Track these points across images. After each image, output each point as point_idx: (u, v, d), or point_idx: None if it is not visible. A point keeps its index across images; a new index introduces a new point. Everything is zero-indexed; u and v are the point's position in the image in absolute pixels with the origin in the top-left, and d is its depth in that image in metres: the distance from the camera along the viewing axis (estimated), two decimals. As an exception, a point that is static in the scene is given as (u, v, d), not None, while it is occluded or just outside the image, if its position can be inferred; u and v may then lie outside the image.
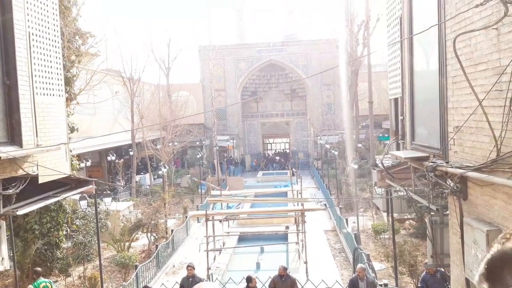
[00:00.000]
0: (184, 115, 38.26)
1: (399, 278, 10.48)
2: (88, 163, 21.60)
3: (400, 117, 6.77)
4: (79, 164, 14.08)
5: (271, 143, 46.04)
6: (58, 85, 7.59)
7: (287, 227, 16.06)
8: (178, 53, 39.19)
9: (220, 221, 18.79)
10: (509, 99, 3.55)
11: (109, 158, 22.75)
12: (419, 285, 9.08)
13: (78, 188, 8.28)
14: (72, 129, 13.51)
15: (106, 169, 31.86)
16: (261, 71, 39.53)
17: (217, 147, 28.48)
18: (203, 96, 38.72)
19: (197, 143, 36.10)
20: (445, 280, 8.75)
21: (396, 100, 7.07)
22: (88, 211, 13.20)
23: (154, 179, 28.21)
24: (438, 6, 4.95)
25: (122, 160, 34.17)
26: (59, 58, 7.69)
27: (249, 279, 8.72)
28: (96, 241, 14.17)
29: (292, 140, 41.84)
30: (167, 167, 17.75)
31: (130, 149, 26.85)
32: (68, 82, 13.03)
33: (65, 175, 7.57)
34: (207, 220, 12.51)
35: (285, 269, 8.86)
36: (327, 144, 27.61)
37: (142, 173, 29.59)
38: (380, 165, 6.54)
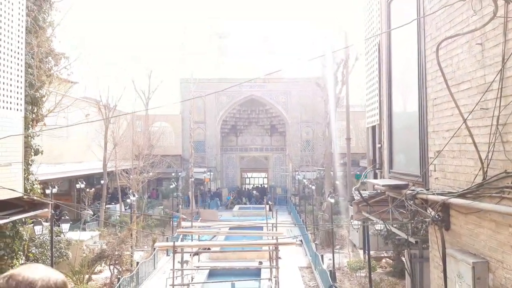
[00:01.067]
0: (161, 145, 37.88)
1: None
2: (55, 190, 20.45)
3: (377, 145, 6.52)
4: (42, 190, 13.15)
5: (249, 178, 45.52)
6: (17, 98, 7.08)
7: (260, 263, 15.35)
8: (159, 84, 39.31)
9: (190, 255, 17.95)
10: (496, 117, 3.30)
11: (78, 186, 21.67)
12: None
13: (32, 211, 7.58)
14: (36, 151, 12.74)
15: (76, 198, 30.50)
16: (242, 105, 39.69)
17: (193, 179, 27.75)
18: (182, 127, 38.33)
19: (173, 174, 35.28)
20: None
21: (373, 128, 6.86)
22: (46, 238, 12.22)
23: (125, 209, 27.07)
24: (418, 26, 4.81)
25: (93, 189, 32.95)
26: (21, 71, 7.22)
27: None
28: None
29: (271, 175, 41.49)
30: (136, 196, 16.93)
31: (102, 178, 25.82)
32: (36, 102, 12.40)
33: (17, 195, 6.90)
34: (174, 252, 11.72)
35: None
36: (305, 179, 27.30)
37: (113, 203, 28.39)
38: (356, 194, 6.18)
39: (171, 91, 43.32)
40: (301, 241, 21.07)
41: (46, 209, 7.79)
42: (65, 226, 12.46)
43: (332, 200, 15.12)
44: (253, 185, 43.44)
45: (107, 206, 28.17)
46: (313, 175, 34.11)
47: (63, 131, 25.73)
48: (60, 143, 24.92)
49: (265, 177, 43.16)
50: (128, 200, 19.16)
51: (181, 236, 15.64)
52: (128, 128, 25.70)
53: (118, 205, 25.87)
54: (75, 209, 21.03)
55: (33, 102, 12.26)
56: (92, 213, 21.84)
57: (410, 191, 4.84)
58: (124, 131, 25.28)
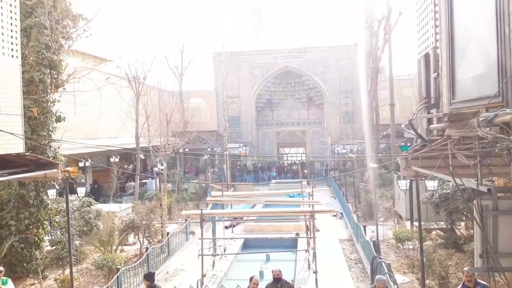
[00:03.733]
0: (196, 121, 37.46)
1: (427, 294, 8.65)
2: (88, 163, 20.35)
3: (433, 75, 5.17)
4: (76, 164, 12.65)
5: (286, 154, 44.38)
6: (10, 43, 6.32)
7: (297, 234, 14.35)
8: (192, 59, 38.61)
9: (226, 227, 17.30)
10: None
11: (112, 160, 21.50)
12: (454, 302, 7.31)
13: (37, 171, 6.92)
14: (58, 118, 12.34)
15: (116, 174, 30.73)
16: (277, 78, 38.20)
17: (227, 151, 27.01)
18: (217, 102, 37.58)
19: (209, 149, 34.84)
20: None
21: (426, 57, 5.50)
22: (71, 207, 11.84)
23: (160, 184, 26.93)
24: None
25: (131, 165, 33.18)
26: (14, 13, 6.42)
27: (250, 279, 7.29)
28: (79, 242, 12.88)
29: (309, 150, 40.04)
30: (165, 164, 16.34)
31: (141, 155, 25.56)
32: (55, 66, 11.90)
33: (15, 151, 6.22)
34: (202, 220, 10.94)
35: (280, 271, 7.25)
36: (344, 149, 25.73)
37: (150, 179, 28.33)
38: (408, 130, 4.93)
39: (204, 67, 42.58)
40: (341, 213, 19.87)
41: (55, 170, 7.09)
42: (80, 190, 11.99)
43: (375, 165, 13.71)
44: (291, 161, 42.32)
45: (144, 181, 28.19)
46: (354, 147, 32.46)
47: (97, 107, 25.76)
48: (95, 119, 24.95)
49: (302, 153, 41.83)
50: (156, 169, 18.65)
51: (210, 206, 14.84)
52: (162, 103, 25.03)
53: (154, 181, 25.68)
54: (113, 183, 20.80)
55: (51, 65, 11.76)
56: (134, 184, 21.61)
57: (484, 116, 3.54)
58: (155, 105, 24.71)
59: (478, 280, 7.32)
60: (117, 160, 22.78)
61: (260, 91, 38.34)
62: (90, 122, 24.37)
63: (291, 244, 14.42)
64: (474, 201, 4.16)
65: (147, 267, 11.90)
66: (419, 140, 5.97)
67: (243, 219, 19.04)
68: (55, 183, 10.20)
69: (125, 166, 33.39)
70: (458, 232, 13.78)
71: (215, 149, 34.77)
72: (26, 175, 6.58)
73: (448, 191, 11.22)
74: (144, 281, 7.39)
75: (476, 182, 4.20)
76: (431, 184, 9.41)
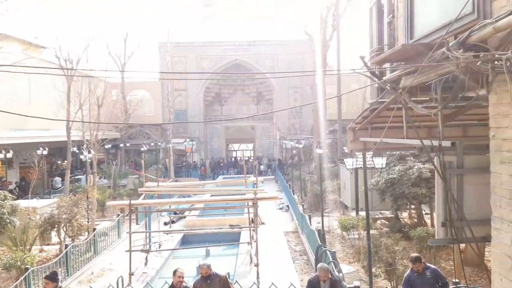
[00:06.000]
0: (139, 114, 35.40)
1: (374, 282, 8.01)
2: (9, 155, 18.06)
3: (387, 19, 4.40)
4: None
5: (235, 150, 43.49)
6: None
7: (231, 226, 13.27)
8: (136, 49, 36.44)
9: (166, 223, 15.94)
10: None
11: (39, 152, 19.25)
12: (401, 288, 6.68)
13: None
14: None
15: (45, 169, 28.02)
16: (226, 71, 37.06)
17: (171, 145, 25.51)
18: (162, 95, 35.74)
19: (152, 144, 32.97)
20: (438, 279, 6.38)
21: (378, 2, 4.72)
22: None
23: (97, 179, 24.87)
24: None
25: (65, 161, 30.53)
26: None
27: (174, 272, 6.12)
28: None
29: (258, 145, 39.40)
30: (93, 152, 14.64)
31: (78, 151, 23.09)
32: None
33: None
34: (130, 211, 9.62)
35: (208, 267, 6.20)
36: (292, 142, 25.22)
37: (84, 175, 26.09)
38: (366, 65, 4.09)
39: (149, 57, 40.54)
40: (287, 206, 19.23)
41: None
42: None
43: (321, 151, 13.09)
44: (239, 157, 41.48)
45: (78, 177, 25.93)
46: (301, 143, 32.19)
47: (24, 94, 23.23)
48: (22, 107, 22.43)
49: (251, 150, 41.10)
50: (82, 157, 16.86)
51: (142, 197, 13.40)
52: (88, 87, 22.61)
53: (87, 176, 23.59)
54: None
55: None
56: (60, 179, 19.48)
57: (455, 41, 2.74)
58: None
59: (428, 264, 6.76)
60: (45, 153, 20.50)
61: (209, 84, 37.07)
62: (16, 110, 21.87)
63: (233, 239, 13.42)
64: (435, 158, 3.36)
65: (66, 267, 10.37)
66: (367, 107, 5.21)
67: (184, 214, 17.80)
68: None
69: (58, 161, 30.75)
70: (402, 221, 13.56)
71: (159, 143, 32.96)
72: None
73: (395, 175, 10.82)
74: (45, 283, 5.87)
75: (438, 135, 3.42)
76: (379, 162, 8.82)
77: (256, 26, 48.03)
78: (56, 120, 17.57)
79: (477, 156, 3.30)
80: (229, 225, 12.95)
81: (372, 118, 5.19)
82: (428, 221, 12.87)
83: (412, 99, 3.87)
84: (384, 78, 4.07)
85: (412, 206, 13.01)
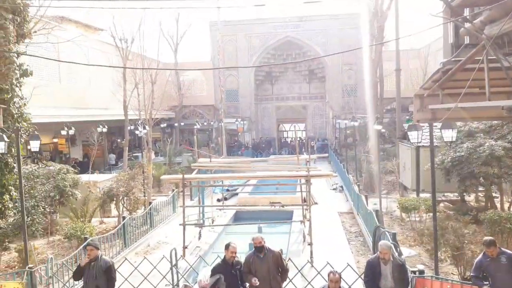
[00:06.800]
0: (193, 94, 35.97)
1: (439, 268, 7.40)
2: (71, 131, 19.03)
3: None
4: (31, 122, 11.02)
5: (286, 131, 42.89)
6: None
7: (281, 205, 12.87)
8: (188, 29, 36.77)
9: (219, 200, 16.10)
10: None
11: (99, 130, 20.14)
12: (472, 275, 6.06)
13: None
14: (24, 72, 10.94)
15: (107, 148, 29.40)
16: (276, 49, 36.36)
17: (222, 124, 25.60)
18: (214, 75, 35.91)
19: (205, 124, 33.45)
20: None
21: None
22: (36, 170, 10.58)
23: (154, 157, 25.75)
24: None
25: (124, 140, 31.86)
26: None
27: (226, 246, 5.96)
28: (50, 212, 11.67)
29: (309, 125, 38.60)
30: (147, 128, 14.94)
31: (135, 129, 23.92)
32: (19, 12, 10.44)
33: None
34: (183, 185, 9.66)
35: (262, 238, 5.97)
36: (347, 122, 24.28)
37: (141, 152, 27.09)
38: None
39: (201, 38, 40.76)
40: (341, 187, 18.64)
41: None
42: (34, 144, 10.68)
43: (379, 126, 12.31)
44: (289, 138, 40.97)
45: (136, 154, 26.96)
46: (357, 122, 31.02)
47: (84, 74, 24.25)
48: (82, 87, 23.50)
49: (303, 130, 40.39)
50: (137, 132, 17.29)
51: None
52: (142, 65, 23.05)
53: (142, 152, 24.44)
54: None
55: (13, 10, 10.31)
56: (115, 155, 20.35)
57: None
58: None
59: (503, 249, 6.08)
60: (104, 130, 21.42)
61: (259, 62, 36.60)
62: (76, 90, 22.98)
63: (286, 217, 13.22)
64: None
65: (124, 239, 10.75)
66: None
67: (236, 191, 17.86)
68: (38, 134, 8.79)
69: (118, 139, 32.19)
70: (468, 204, 12.55)
71: (211, 123, 33.35)
72: None
73: (463, 153, 9.89)
74: (89, 249, 5.76)
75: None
76: (448, 134, 7.99)
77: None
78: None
79: None
80: (274, 204, 12.45)
81: (444, 82, 4.56)
82: (498, 205, 11.79)
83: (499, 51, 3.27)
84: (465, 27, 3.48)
85: (480, 189, 11.99)
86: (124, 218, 10.78)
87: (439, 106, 4.86)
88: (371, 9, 22.74)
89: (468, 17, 3.46)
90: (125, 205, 12.26)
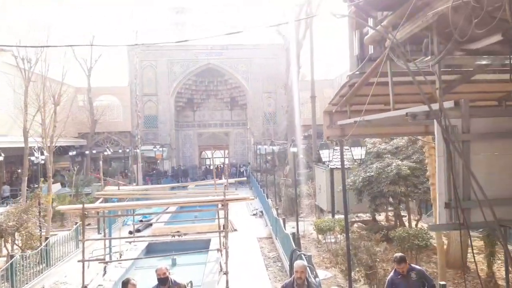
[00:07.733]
0: (107, 120, 33.88)
1: (354, 288, 7.30)
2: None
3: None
4: None
5: (208, 158, 42.23)
6: None
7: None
8: (103, 52, 34.92)
9: (131, 232, 14.82)
10: None
11: (-6, 158, 17.67)
12: (384, 293, 5.99)
13: None
14: None
15: (4, 177, 26.19)
16: (198, 76, 36.15)
17: (138, 151, 24.28)
18: (131, 101, 34.37)
19: (120, 151, 31.56)
20: (424, 281, 5.75)
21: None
22: None
23: (60, 187, 23.37)
24: None
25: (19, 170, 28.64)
26: None
27: (124, 284, 5.16)
28: None
29: (232, 152, 38.51)
30: (46, 154, 13.39)
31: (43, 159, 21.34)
32: None
33: None
34: (83, 216, 8.53)
35: (166, 269, 5.33)
36: (266, 147, 24.53)
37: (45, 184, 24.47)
38: None
39: (118, 63, 39.16)
40: (261, 212, 18.45)
41: None
42: None
43: (295, 149, 12.40)
44: (210, 165, 40.34)
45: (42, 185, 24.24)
46: (276, 148, 31.61)
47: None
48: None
49: (226, 156, 40.11)
50: (33, 158, 15.55)
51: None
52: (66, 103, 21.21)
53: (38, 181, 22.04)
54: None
55: None
56: (9, 187, 18.03)
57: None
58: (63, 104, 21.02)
59: (413, 265, 6.14)
60: (1, 158, 18.95)
61: (180, 89, 35.97)
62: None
63: (203, 247, 12.49)
64: (435, 121, 2.67)
65: (11, 282, 9.18)
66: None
67: (150, 221, 16.72)
68: None
69: (19, 170, 28.86)
70: (379, 223, 13.02)
71: (127, 150, 31.57)
72: None
73: (372, 173, 10.25)
74: None
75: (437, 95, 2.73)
76: (358, 153, 8.17)
77: (229, 30, 47.33)
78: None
79: (488, 118, 2.63)
80: (175, 234, 11.76)
81: (351, 96, 4.50)
82: (406, 223, 12.38)
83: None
84: (367, 37, 3.40)
85: (390, 208, 12.53)
86: (12, 256, 9.23)
87: (346, 122, 4.78)
88: (288, 38, 23.72)
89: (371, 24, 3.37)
90: (15, 242, 10.61)
